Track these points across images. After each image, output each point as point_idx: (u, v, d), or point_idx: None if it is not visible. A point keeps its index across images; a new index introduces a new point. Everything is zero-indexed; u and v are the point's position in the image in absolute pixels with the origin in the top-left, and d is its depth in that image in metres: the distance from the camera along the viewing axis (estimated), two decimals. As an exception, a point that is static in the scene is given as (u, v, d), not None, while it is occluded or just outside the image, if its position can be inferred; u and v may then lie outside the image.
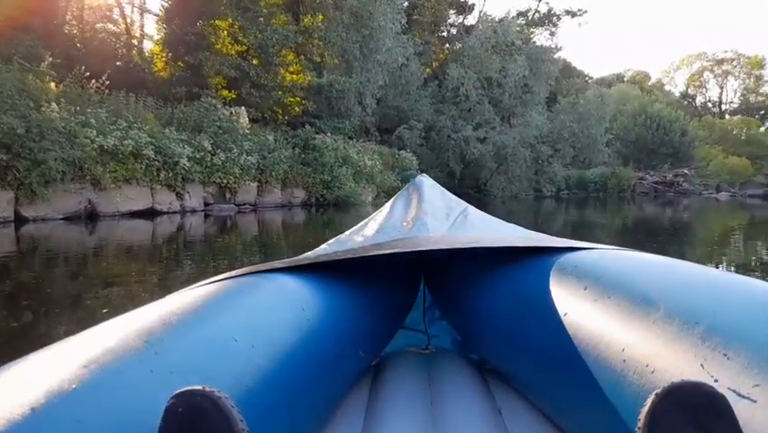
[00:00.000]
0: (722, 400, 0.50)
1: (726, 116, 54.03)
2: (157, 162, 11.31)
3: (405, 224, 1.74)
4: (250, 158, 13.96)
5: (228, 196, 13.82)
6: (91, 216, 10.10)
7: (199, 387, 0.51)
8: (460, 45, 28.77)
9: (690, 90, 56.34)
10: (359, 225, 1.92)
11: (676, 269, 0.87)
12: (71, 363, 0.56)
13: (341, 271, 1.21)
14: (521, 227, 1.80)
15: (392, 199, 2.12)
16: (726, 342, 0.61)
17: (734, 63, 53.87)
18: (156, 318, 0.72)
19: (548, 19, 30.53)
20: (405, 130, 23.91)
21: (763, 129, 47.36)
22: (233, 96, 15.60)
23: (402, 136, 23.79)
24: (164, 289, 3.43)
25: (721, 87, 55.84)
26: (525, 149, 25.53)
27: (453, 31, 31.91)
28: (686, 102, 52.61)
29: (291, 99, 16.79)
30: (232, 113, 14.17)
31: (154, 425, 0.49)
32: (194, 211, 12.69)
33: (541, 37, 30.71)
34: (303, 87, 17.29)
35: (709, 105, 56.64)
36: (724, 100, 56.06)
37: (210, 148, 12.88)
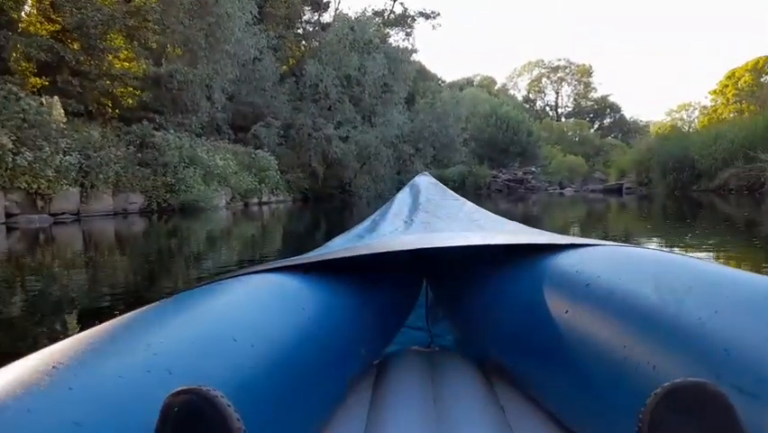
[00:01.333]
0: (724, 399, 0.49)
1: (563, 119, 59.68)
2: None
3: (406, 222, 1.76)
4: (68, 158, 11.56)
5: (41, 204, 11.29)
6: None
7: (195, 386, 0.50)
8: (317, 42, 27.74)
9: (530, 95, 61.41)
10: (360, 223, 1.93)
11: (677, 265, 0.85)
12: (69, 363, 0.56)
13: (342, 271, 1.19)
14: (523, 225, 1.79)
15: (393, 198, 2.12)
16: (728, 338, 0.61)
17: (567, 70, 59.74)
18: (155, 319, 0.72)
19: (404, 20, 30.71)
20: (261, 128, 22.27)
21: (592, 131, 52.90)
22: (45, 83, 12.93)
23: (258, 135, 22.13)
24: None
25: (557, 93, 61.64)
26: (387, 148, 25.23)
27: (309, 28, 30.83)
28: (528, 105, 56.97)
29: (122, 90, 14.42)
30: (42, 103, 11.62)
31: (152, 425, 0.49)
32: (-12, 224, 10.08)
33: (397, 38, 30.83)
34: (137, 77, 14.98)
35: (547, 108, 62.18)
36: (560, 104, 61.96)
37: (11, 145, 10.35)
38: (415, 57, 32.06)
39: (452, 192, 2.17)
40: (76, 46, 13.81)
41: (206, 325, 0.74)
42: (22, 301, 3.48)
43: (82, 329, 0.71)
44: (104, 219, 12.09)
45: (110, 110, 14.33)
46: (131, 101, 14.46)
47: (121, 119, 14.84)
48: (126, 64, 14.90)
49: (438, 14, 30.27)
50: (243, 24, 19.78)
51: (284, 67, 25.75)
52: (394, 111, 26.13)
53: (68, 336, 0.70)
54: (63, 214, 11.64)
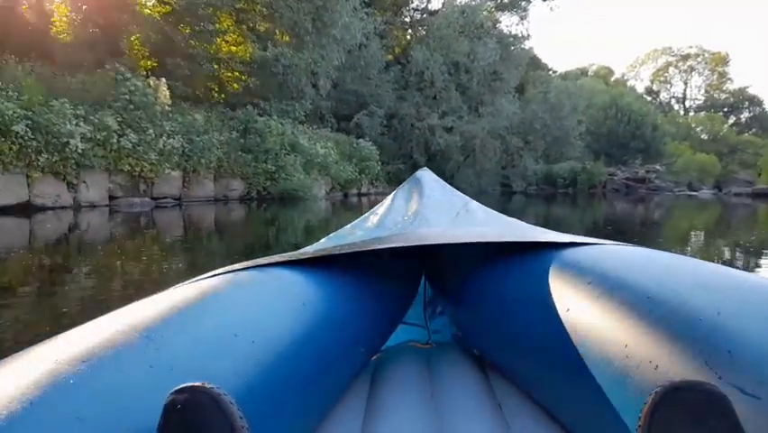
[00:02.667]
0: (723, 399, 0.50)
1: (691, 113, 53.87)
2: (35, 142, 8.65)
3: (405, 218, 1.76)
4: (171, 141, 11.40)
5: (143, 188, 11.22)
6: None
7: (198, 383, 0.51)
8: (424, 31, 26.57)
9: (654, 86, 55.87)
10: (359, 219, 1.96)
11: (680, 265, 0.85)
12: (71, 357, 0.56)
13: (341, 266, 1.20)
14: (523, 222, 1.81)
15: (393, 193, 2.13)
16: (730, 339, 0.61)
17: (698, 59, 53.57)
18: (156, 313, 0.71)
19: (517, 2, 28.58)
20: (364, 117, 21.58)
21: (726, 126, 47.06)
22: (155, 65, 12.91)
23: (361, 124, 21.46)
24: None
25: (685, 84, 55.41)
26: (494, 140, 23.55)
27: (417, 15, 29.74)
28: (650, 98, 51.94)
29: (229, 74, 14.17)
30: (149, 84, 11.53)
31: (154, 421, 0.50)
32: (93, 206, 10.04)
33: (509, 22, 28.80)
34: (244, 62, 14.70)
35: (673, 101, 56.31)
36: (688, 96, 55.80)
37: (117, 127, 10.25)
38: (527, 44, 29.97)
39: (452, 188, 2.17)
40: (187, 30, 13.72)
41: (207, 320, 0.74)
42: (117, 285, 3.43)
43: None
44: (204, 205, 11.87)
45: (216, 94, 14.13)
46: (236, 86, 14.19)
47: (227, 104, 14.67)
48: (234, 48, 14.64)
49: (557, -6, 27.72)
50: (351, 9, 19.08)
51: (389, 56, 24.87)
52: (503, 100, 24.30)
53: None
54: (165, 198, 11.53)
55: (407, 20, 29.78)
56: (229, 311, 0.79)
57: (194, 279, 0.99)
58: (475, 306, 1.33)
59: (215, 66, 13.95)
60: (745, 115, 52.74)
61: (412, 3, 29.63)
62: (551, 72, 39.67)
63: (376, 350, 1.41)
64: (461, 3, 25.71)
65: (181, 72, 13.19)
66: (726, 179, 33.16)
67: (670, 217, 11.35)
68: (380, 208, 1.99)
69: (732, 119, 51.24)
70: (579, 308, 0.85)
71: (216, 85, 14.13)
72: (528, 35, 30.88)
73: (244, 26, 15.28)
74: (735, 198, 22.19)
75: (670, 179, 31.27)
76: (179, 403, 0.50)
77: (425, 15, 28.20)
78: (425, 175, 2.19)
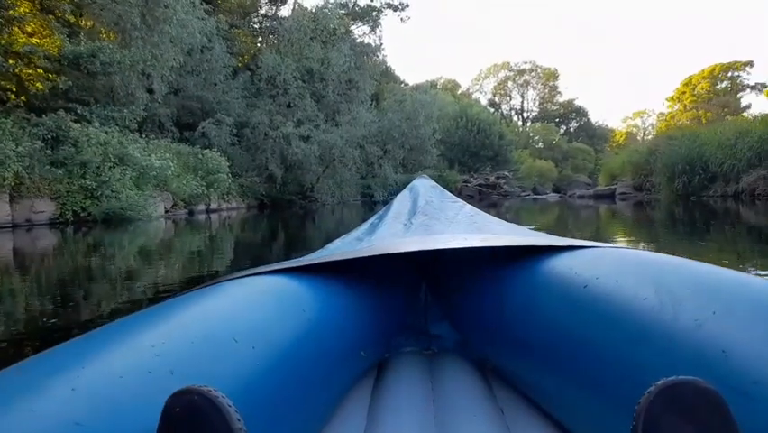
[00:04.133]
0: (716, 397, 0.50)
1: (528, 123, 58.62)
2: None
3: (405, 224, 1.79)
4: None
5: None
6: None
7: (196, 386, 0.51)
8: (274, 39, 25.09)
9: (496, 99, 60.04)
10: (360, 226, 1.97)
11: (675, 266, 0.85)
12: (72, 364, 0.56)
13: (342, 273, 1.19)
14: (521, 227, 1.85)
15: (392, 200, 2.19)
16: (725, 339, 0.61)
17: (533, 74, 58.69)
18: (157, 321, 0.72)
19: (369, 13, 28.35)
20: (211, 125, 19.54)
21: (559, 135, 51.87)
22: None
23: (208, 133, 19.39)
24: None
25: (522, 96, 60.43)
26: (353, 149, 22.75)
27: (267, 24, 28.14)
28: (493, 110, 55.57)
29: (30, 71, 11.51)
30: None
31: (153, 426, 0.50)
32: None
33: (361, 31, 28.38)
34: (51, 57, 12.11)
35: (513, 113, 60.92)
36: (525, 108, 60.77)
37: None
38: (380, 55, 29.85)
39: (450, 194, 2.21)
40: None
41: (208, 326, 0.74)
42: None
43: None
44: (-3, 233, 9.28)
45: (12, 97, 11.38)
46: (40, 86, 11.56)
47: (30, 108, 11.95)
48: (37, 40, 11.98)
49: (407, 5, 28.02)
50: (188, 4, 17.10)
51: (238, 63, 23.00)
52: (360, 108, 23.67)
53: None
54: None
55: (257, 26, 28.11)
56: (230, 318, 0.78)
57: (195, 288, 0.99)
58: (475, 310, 1.35)
59: (11, 61, 11.23)
60: (573, 125, 58.90)
61: (261, 9, 28.07)
62: (403, 84, 40.40)
63: (377, 356, 1.39)
64: (311, 8, 24.74)
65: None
66: (568, 182, 36.12)
67: (520, 221, 11.30)
68: (380, 215, 1.99)
69: (563, 128, 56.85)
70: (575, 312, 0.85)
71: (13, 84, 11.38)
72: (382, 44, 30.70)
73: (51, 16, 12.64)
74: (578, 199, 23.88)
75: (517, 185, 33.24)
76: (177, 406, 0.49)
77: (274, 22, 26.75)
78: (424, 182, 2.24)
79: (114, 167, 12.21)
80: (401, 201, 2.09)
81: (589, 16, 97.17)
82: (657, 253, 0.99)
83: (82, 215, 11.56)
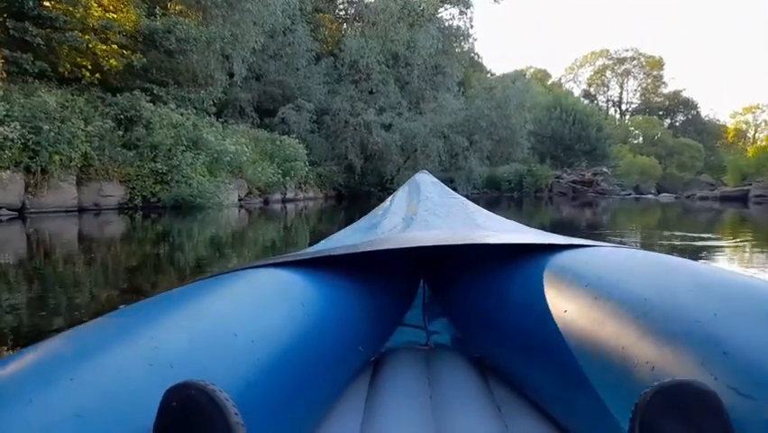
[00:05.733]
0: (713, 398, 0.50)
1: (627, 116, 54.09)
2: None
3: (404, 220, 1.76)
4: (4, 129, 8.21)
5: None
6: None
7: (194, 380, 0.51)
8: (360, 25, 23.95)
9: (591, 89, 55.75)
10: (359, 220, 1.98)
11: (677, 267, 0.85)
12: (71, 355, 0.57)
13: (341, 267, 1.20)
14: (522, 224, 1.80)
15: (392, 195, 2.17)
16: (726, 340, 0.61)
17: (634, 62, 53.87)
18: (157, 313, 0.72)
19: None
20: (291, 111, 18.75)
21: (663, 129, 47.23)
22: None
23: (287, 119, 18.61)
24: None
25: (621, 87, 55.69)
26: (437, 139, 21.22)
27: (352, 10, 27.09)
28: (587, 101, 51.70)
29: (103, 47, 10.98)
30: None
31: (152, 418, 0.50)
32: None
33: (450, 13, 26.54)
34: (127, 33, 11.56)
35: (610, 104, 56.40)
36: (624, 100, 56.03)
37: None
38: (469, 40, 27.92)
39: (451, 191, 2.17)
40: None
41: (208, 319, 0.74)
42: None
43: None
44: (63, 217, 8.73)
45: (87, 74, 10.89)
46: (114, 62, 11.02)
47: (105, 87, 11.49)
48: (112, 15, 11.45)
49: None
50: (271, -20, 16.28)
51: (322, 51, 22.09)
52: (447, 95, 22.03)
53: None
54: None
55: (342, 12, 27.18)
56: (229, 311, 0.79)
57: (194, 280, 1.00)
58: (473, 308, 1.35)
59: (87, 36, 10.73)
60: (680, 119, 53.58)
61: (345, -5, 27.07)
62: (489, 74, 38.19)
63: (375, 351, 1.40)
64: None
65: (33, 42, 9.92)
66: (691, 181, 32.37)
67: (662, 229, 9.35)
68: (380, 210, 2.00)
69: (667, 122, 51.85)
70: (576, 310, 0.85)
71: (88, 61, 10.89)
72: (472, 26, 28.72)
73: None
74: (699, 201, 20.77)
75: (615, 182, 30.21)
76: (174, 400, 0.49)
77: (360, 6, 25.63)
78: (424, 177, 2.25)
79: (187, 151, 11.51)
80: (402, 197, 2.08)
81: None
82: (659, 254, 0.99)
83: (152, 200, 10.95)
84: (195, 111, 13.28)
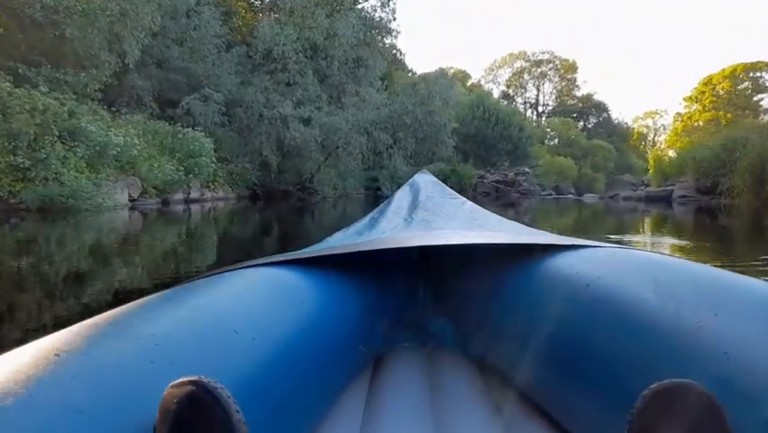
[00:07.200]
0: (710, 400, 0.50)
1: (543, 118, 55.60)
2: None
3: (404, 219, 1.78)
4: None
5: None
6: None
7: (196, 377, 0.51)
8: (276, 11, 22.23)
9: (510, 91, 56.78)
10: (359, 220, 1.95)
11: (678, 268, 0.85)
12: (73, 351, 0.56)
13: (341, 266, 1.20)
14: (522, 224, 1.79)
15: (392, 195, 2.16)
16: (728, 342, 0.61)
17: (550, 65, 55.38)
18: (158, 310, 0.72)
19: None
20: (196, 101, 16.83)
21: (577, 131, 48.83)
22: None
23: (192, 110, 16.67)
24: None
25: (538, 89, 57.09)
26: (360, 136, 20.01)
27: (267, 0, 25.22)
28: (506, 102, 52.56)
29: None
30: None
31: (154, 414, 0.51)
32: None
33: (370, 6, 25.39)
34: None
35: (527, 106, 57.66)
36: (541, 102, 57.52)
37: None
38: (392, 33, 26.95)
39: (451, 191, 2.17)
40: None
41: (209, 316, 0.74)
42: None
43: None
44: None
45: None
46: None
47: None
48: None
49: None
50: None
51: (235, 39, 20.19)
52: (370, 89, 20.88)
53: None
54: None
55: (257, 3, 25.26)
56: (230, 308, 0.79)
57: (195, 278, 0.98)
58: (473, 307, 1.35)
59: None
60: (592, 121, 55.79)
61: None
62: (410, 74, 37.59)
63: (374, 350, 1.40)
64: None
65: None
66: (613, 181, 33.08)
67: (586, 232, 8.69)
68: (380, 210, 1.99)
69: (581, 124, 53.78)
70: (576, 310, 0.84)
71: None
72: (395, 18, 27.64)
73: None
74: (623, 201, 20.79)
75: (536, 182, 30.43)
76: (176, 397, 0.49)
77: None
78: (425, 178, 2.26)
79: (58, 142, 9.52)
80: (401, 196, 2.08)
81: (605, 9, 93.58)
82: (659, 254, 0.99)
83: (11, 201, 8.91)
84: (75, 96, 11.24)
